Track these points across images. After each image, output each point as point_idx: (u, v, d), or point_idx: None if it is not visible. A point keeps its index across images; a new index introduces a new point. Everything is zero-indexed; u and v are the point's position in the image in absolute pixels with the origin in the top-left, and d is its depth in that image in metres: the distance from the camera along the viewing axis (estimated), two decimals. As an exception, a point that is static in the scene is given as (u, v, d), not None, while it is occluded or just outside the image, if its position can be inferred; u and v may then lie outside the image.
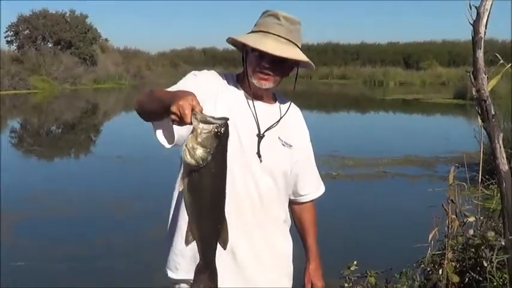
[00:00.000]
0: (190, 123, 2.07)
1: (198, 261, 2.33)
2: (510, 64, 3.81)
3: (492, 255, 4.02)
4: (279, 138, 2.80)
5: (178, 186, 2.29)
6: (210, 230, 2.18)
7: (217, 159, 2.08)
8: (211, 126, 2.06)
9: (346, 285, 4.99)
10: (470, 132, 8.84)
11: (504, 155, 3.70)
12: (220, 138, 2.07)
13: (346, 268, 4.79)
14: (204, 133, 2.05)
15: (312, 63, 2.82)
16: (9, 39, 50.54)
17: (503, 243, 3.88)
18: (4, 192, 10.46)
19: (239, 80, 2.82)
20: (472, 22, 3.69)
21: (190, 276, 2.66)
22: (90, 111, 31.79)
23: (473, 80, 3.65)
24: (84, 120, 27.29)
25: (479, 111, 3.68)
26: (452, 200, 4.28)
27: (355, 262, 4.79)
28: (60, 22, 50.35)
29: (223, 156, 2.12)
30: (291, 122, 2.89)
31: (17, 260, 7.15)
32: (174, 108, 2.10)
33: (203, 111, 2.10)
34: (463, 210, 4.58)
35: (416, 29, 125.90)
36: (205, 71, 2.79)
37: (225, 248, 2.22)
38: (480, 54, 3.65)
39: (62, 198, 10.55)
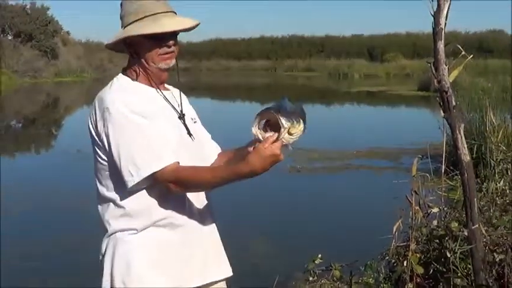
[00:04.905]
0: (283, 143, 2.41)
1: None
2: (471, 55, 3.84)
3: (456, 246, 4.06)
4: (190, 117, 2.90)
5: None
6: None
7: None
8: (299, 132, 2.44)
9: (311, 278, 5.01)
10: (435, 124, 8.92)
11: (465, 146, 3.74)
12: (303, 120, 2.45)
13: (310, 261, 4.80)
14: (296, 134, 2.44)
15: (196, 23, 2.80)
16: (-33, 31, 49.77)
17: (466, 234, 3.92)
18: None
19: (135, 80, 2.76)
20: (432, 13, 3.72)
21: None
22: (51, 105, 31.48)
23: (434, 71, 3.68)
24: (45, 114, 26.99)
25: (441, 103, 3.71)
26: (415, 191, 4.31)
27: (319, 255, 4.80)
28: (21, 14, 49.68)
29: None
30: (186, 100, 2.96)
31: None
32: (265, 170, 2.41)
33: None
34: (426, 201, 4.62)
35: (380, 21, 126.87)
36: (124, 105, 2.60)
37: None
38: (441, 45, 3.68)
39: (22, 193, 10.41)
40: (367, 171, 12.45)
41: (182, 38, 2.87)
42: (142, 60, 2.73)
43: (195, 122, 2.92)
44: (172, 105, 2.80)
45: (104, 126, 2.61)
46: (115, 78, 2.77)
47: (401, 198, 4.42)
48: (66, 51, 52.44)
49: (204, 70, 66.96)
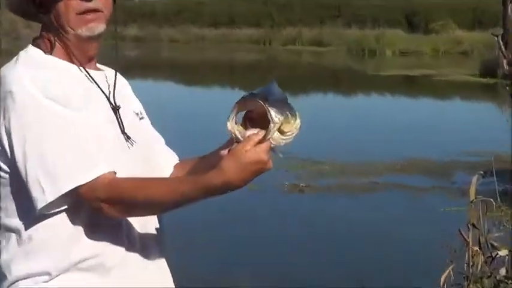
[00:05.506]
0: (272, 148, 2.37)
1: None
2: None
3: (533, 305, 4.06)
4: (132, 110, 2.86)
5: None
6: None
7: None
8: (294, 130, 2.39)
9: None
10: (503, 125, 8.95)
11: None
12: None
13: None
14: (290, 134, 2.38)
15: None
16: None
17: (549, 289, 3.92)
18: None
19: (49, 53, 2.70)
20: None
21: None
22: None
23: (503, 47, 3.67)
24: None
25: (514, 94, 3.70)
26: (473, 224, 4.30)
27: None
28: None
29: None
30: (127, 87, 2.95)
31: None
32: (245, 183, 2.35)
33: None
34: (490, 239, 4.61)
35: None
36: (35, 87, 2.55)
37: None
38: (515, 9, 3.66)
39: None
40: (403, 193, 12.49)
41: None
42: (56, 23, 2.65)
43: (141, 119, 2.88)
44: (103, 91, 2.72)
45: (3, 118, 2.52)
46: (22, 51, 2.70)
47: (452, 233, 4.41)
48: (-38, 10, 52.47)
49: (165, 41, 67.04)
